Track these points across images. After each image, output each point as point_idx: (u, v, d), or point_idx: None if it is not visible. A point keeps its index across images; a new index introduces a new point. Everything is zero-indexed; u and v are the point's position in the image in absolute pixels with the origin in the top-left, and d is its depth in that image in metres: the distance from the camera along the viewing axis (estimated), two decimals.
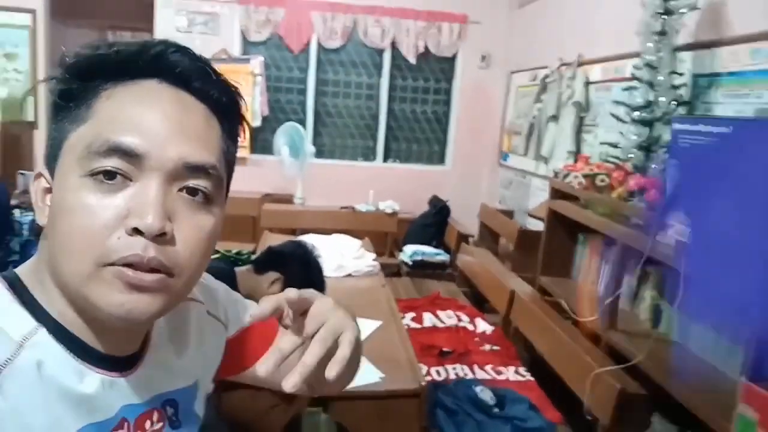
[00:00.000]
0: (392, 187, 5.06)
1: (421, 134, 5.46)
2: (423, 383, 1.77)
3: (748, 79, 2.28)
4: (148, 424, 0.66)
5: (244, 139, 0.72)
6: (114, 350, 0.63)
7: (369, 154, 5.42)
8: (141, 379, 0.66)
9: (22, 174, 4.15)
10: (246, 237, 4.25)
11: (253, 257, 2.70)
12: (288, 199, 4.86)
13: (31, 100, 4.91)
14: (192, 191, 0.59)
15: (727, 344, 2.05)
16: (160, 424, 0.68)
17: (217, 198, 0.62)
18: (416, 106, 5.40)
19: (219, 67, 0.64)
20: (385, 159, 5.43)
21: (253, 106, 4.89)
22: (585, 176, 2.87)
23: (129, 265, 0.55)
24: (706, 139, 1.95)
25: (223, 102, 0.63)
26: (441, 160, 5.51)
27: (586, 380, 1.98)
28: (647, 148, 2.66)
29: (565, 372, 2.21)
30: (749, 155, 1.73)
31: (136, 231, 0.55)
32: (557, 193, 3.14)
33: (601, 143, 3.09)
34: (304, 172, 4.68)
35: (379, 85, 5.29)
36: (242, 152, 4.76)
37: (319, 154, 5.15)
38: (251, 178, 4.76)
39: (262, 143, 5.06)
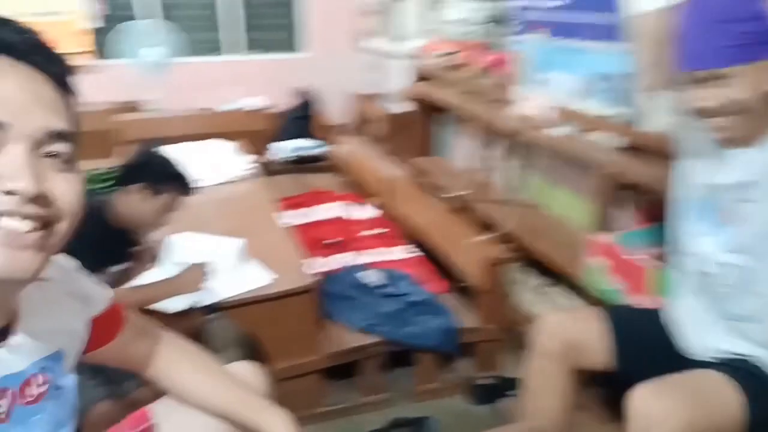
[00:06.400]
0: (253, 81, 4.84)
1: (274, 21, 5.17)
2: (313, 279, 1.83)
3: None
4: (29, 389, 0.69)
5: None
6: None
7: (220, 48, 5.07)
8: (16, 348, 0.68)
9: None
10: (97, 152, 3.90)
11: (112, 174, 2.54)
12: (138, 107, 4.47)
13: None
14: (56, 155, 0.62)
15: (581, 204, 2.30)
16: (45, 386, 0.72)
17: (77, 159, 0.66)
18: None
19: None
20: (240, 51, 5.13)
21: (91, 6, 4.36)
22: (443, 56, 2.93)
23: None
24: (547, 12, 2.09)
25: (62, 75, 0.65)
26: (299, 47, 5.31)
27: (462, 251, 2.16)
28: (498, 22, 2.75)
29: (443, 246, 2.39)
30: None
31: (11, 193, 0.57)
32: (420, 75, 3.19)
33: (455, 20, 3.13)
34: (162, 75, 4.31)
35: None
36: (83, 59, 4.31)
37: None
38: (92, 87, 4.30)
39: (102, 47, 4.55)
